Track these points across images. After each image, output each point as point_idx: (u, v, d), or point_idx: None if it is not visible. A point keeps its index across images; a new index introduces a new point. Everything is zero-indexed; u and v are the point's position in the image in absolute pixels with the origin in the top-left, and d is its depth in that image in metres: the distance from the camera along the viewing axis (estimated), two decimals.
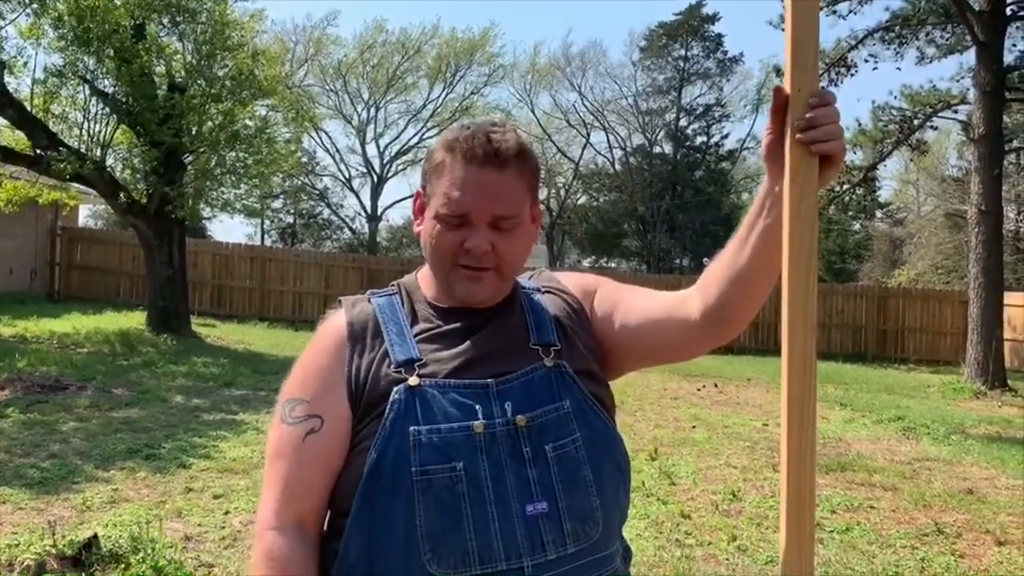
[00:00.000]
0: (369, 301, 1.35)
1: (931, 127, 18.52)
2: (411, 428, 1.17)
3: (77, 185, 13.97)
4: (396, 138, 37.93)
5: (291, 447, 1.24)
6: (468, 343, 1.27)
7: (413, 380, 1.21)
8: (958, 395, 13.08)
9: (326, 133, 37.05)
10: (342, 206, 40.27)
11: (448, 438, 1.17)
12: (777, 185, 1.11)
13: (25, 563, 3.71)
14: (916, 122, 17.29)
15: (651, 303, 1.35)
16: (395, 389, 1.20)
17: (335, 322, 1.33)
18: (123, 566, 3.72)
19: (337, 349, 1.28)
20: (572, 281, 1.44)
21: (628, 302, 1.37)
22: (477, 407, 1.20)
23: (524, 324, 1.32)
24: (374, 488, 1.16)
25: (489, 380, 1.22)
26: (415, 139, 37.45)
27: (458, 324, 1.30)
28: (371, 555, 1.16)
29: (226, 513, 4.84)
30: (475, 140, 1.25)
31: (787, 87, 1.06)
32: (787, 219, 1.05)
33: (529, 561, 1.14)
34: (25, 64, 12.24)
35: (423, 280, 1.38)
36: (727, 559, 4.49)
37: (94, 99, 12.65)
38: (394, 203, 38.86)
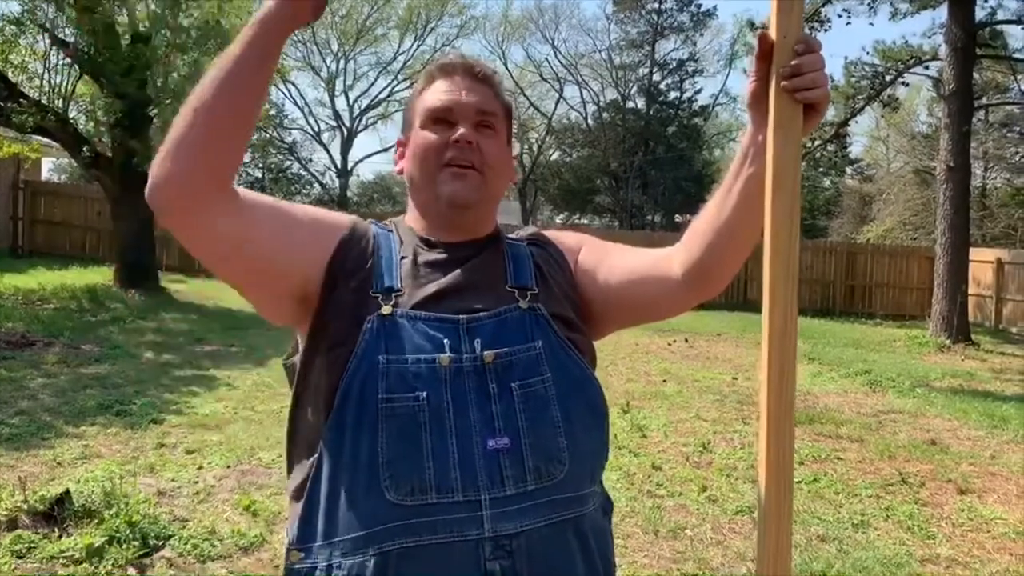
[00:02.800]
0: (371, 225, 1.37)
1: (902, 83, 18.57)
2: (379, 357, 1.17)
3: (39, 138, 13.62)
4: (366, 91, 37.48)
5: (276, 203, 1.28)
6: (446, 276, 1.28)
7: (386, 309, 1.21)
8: (923, 349, 13.33)
9: (294, 85, 36.44)
10: (311, 160, 39.81)
11: (414, 369, 1.17)
12: (761, 133, 1.11)
13: None
14: (888, 78, 17.33)
15: (635, 260, 1.36)
16: (367, 318, 1.20)
17: (346, 216, 1.36)
18: (96, 521, 3.71)
19: (339, 226, 1.31)
20: (558, 237, 1.46)
21: (611, 259, 1.38)
22: (445, 341, 1.20)
23: (503, 266, 1.33)
24: (344, 414, 1.17)
25: (461, 316, 1.22)
26: (385, 92, 36.98)
27: (438, 256, 1.31)
28: (336, 478, 1.17)
29: (199, 468, 4.83)
30: (451, 58, 1.38)
31: (772, 33, 1.05)
32: (770, 167, 1.05)
33: (487, 495, 1.14)
34: None
35: (409, 218, 1.40)
36: (697, 509, 4.58)
37: (54, 49, 12.29)
38: (364, 157, 38.56)
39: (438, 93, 1.32)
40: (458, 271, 1.29)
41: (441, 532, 1.13)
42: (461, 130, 1.28)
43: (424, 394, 1.16)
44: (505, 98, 1.38)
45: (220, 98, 1.10)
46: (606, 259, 1.38)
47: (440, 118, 1.30)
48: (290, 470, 1.28)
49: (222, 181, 1.14)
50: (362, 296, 1.23)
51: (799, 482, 5.14)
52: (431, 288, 1.25)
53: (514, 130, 1.41)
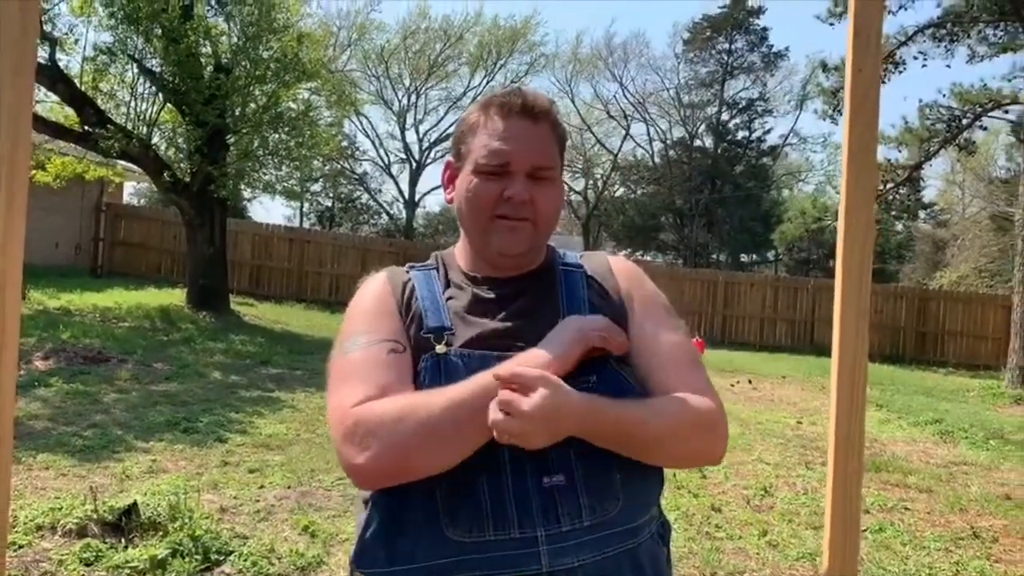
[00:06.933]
0: (407, 272, 1.39)
1: (980, 127, 18.13)
2: None
3: (122, 162, 14.19)
4: (435, 125, 38.02)
5: (374, 362, 1.22)
6: (497, 313, 1.29)
7: (440, 348, 1.23)
8: (998, 400, 12.84)
9: (367, 118, 37.23)
10: (380, 191, 40.52)
11: None
12: None
13: (67, 527, 3.81)
14: (964, 121, 16.95)
15: (658, 384, 1.27)
16: (423, 357, 1.23)
17: (376, 277, 1.39)
18: (161, 533, 3.80)
19: (387, 294, 1.33)
20: (623, 276, 1.40)
21: (651, 359, 1.29)
22: None
23: (557, 299, 1.33)
24: None
25: (512, 354, 1.21)
26: (454, 127, 37.34)
27: (490, 294, 1.32)
28: (395, 506, 1.19)
29: (261, 487, 4.91)
30: (509, 95, 1.33)
31: (848, 66, 1.05)
32: (843, 201, 1.05)
33: (543, 531, 1.15)
34: (76, 41, 12.51)
35: (458, 252, 1.41)
36: (757, 553, 4.47)
37: (142, 78, 12.84)
38: (432, 190, 38.99)
39: (494, 139, 1.29)
40: (511, 307, 1.30)
41: (500, 567, 1.14)
42: (516, 187, 1.28)
43: None
44: (561, 130, 1.37)
45: (467, 441, 1.14)
46: (648, 353, 1.30)
47: (494, 172, 1.29)
48: None
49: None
50: (417, 337, 1.26)
51: (864, 531, 4.99)
52: (482, 326, 1.27)
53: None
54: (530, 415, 1.06)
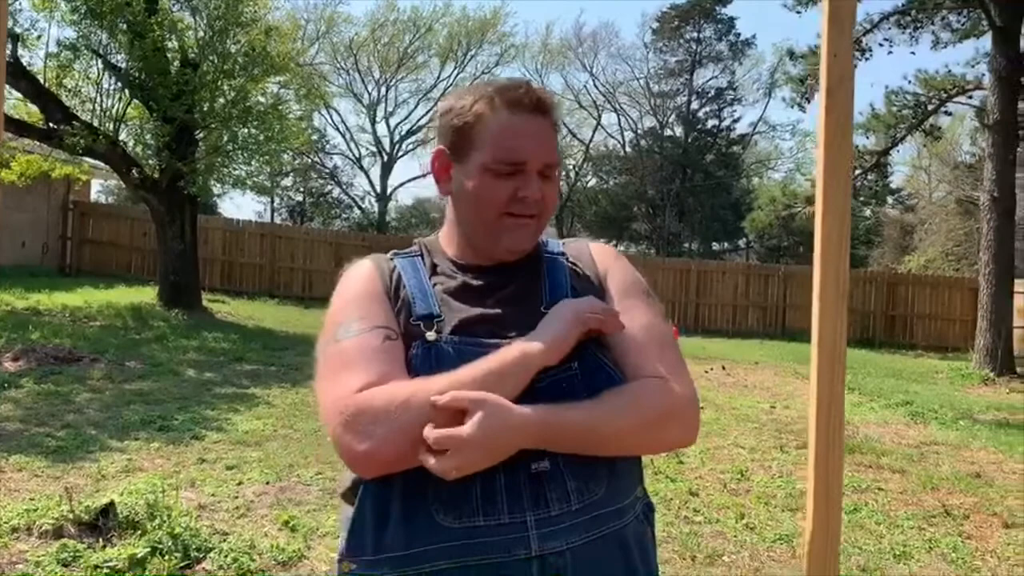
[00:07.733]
0: (391, 259, 1.38)
1: (945, 113, 18.41)
2: None
3: (89, 160, 13.99)
4: (406, 117, 37.87)
5: (370, 349, 1.21)
6: (484, 301, 1.29)
7: (430, 335, 1.23)
8: (966, 381, 13.07)
9: (336, 111, 37.00)
10: (352, 185, 40.29)
11: None
12: None
13: (43, 528, 3.77)
14: (930, 107, 17.17)
15: (631, 367, 1.27)
16: (413, 344, 1.23)
17: (362, 263, 1.37)
18: (140, 532, 3.77)
19: (376, 280, 1.32)
20: (602, 260, 1.42)
21: (624, 342, 1.29)
22: None
23: (539, 287, 1.33)
24: None
25: (499, 341, 1.23)
26: (425, 119, 37.30)
27: (476, 282, 1.32)
28: (386, 494, 1.19)
29: (239, 484, 4.89)
30: (520, 89, 1.29)
31: (823, 53, 1.07)
32: (820, 189, 1.06)
33: (532, 516, 1.16)
34: (39, 37, 12.29)
35: (444, 239, 1.40)
36: (735, 536, 4.53)
37: (107, 73, 12.65)
38: (403, 183, 38.89)
39: (509, 137, 1.27)
40: (497, 295, 1.30)
41: (490, 553, 1.15)
42: (531, 187, 1.28)
43: None
44: (560, 123, 1.37)
45: None
46: (623, 337, 1.29)
47: (509, 172, 1.28)
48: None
49: None
50: (406, 324, 1.26)
51: None
52: (469, 314, 1.27)
53: None
54: (468, 441, 1.07)
